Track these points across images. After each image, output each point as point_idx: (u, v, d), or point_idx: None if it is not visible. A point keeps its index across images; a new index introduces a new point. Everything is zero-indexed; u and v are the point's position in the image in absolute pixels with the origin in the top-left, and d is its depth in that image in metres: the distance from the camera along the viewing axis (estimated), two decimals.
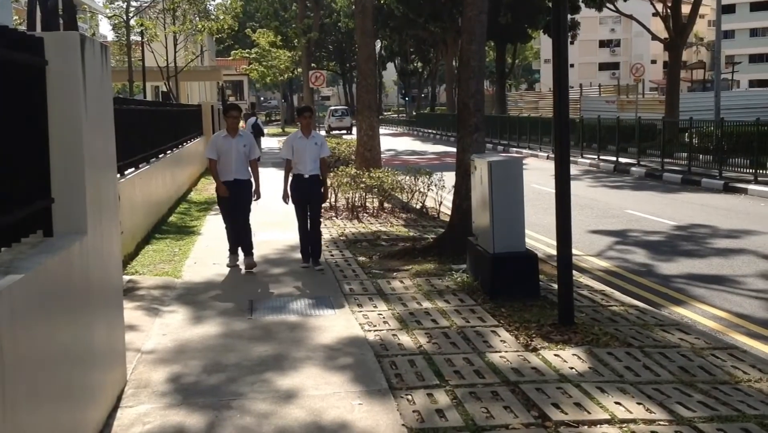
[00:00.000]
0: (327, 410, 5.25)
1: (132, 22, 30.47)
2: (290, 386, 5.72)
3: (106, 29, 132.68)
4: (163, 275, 9.67)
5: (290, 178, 9.90)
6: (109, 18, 33.38)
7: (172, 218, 14.82)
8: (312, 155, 9.74)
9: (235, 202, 9.88)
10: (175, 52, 32.23)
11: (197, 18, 34.37)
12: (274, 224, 13.46)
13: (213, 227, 13.50)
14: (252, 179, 10.02)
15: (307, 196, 9.83)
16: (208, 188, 20.20)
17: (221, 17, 33.82)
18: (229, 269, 10.04)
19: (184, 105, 27.14)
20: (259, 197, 10.08)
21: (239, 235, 10.01)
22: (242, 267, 10.00)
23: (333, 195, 15.04)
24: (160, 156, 15.27)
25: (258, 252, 10.91)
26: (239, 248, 10.11)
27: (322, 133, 25.47)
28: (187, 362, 6.29)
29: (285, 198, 10.00)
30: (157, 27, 31.91)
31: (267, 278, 9.48)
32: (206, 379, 5.89)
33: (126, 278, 9.11)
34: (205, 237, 12.54)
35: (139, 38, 32.50)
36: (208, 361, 6.32)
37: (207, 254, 11.04)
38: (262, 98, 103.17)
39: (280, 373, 5.99)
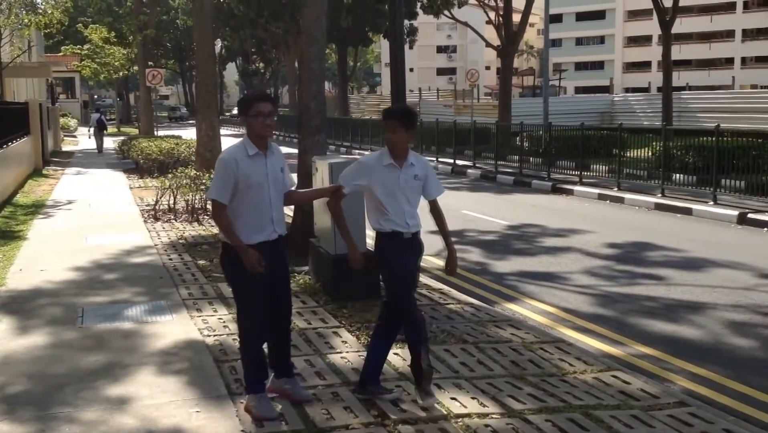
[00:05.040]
0: (162, 418, 5.09)
1: None
2: (123, 394, 5.51)
3: None
4: None
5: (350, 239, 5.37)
6: None
7: None
8: (415, 196, 5.34)
9: (275, 279, 5.17)
10: (0, 47, 30.37)
11: (24, 11, 32.53)
12: (107, 227, 12.96)
13: (41, 231, 12.82)
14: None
15: (416, 268, 5.47)
16: (35, 190, 19.12)
17: (50, 11, 32.14)
18: (53, 274, 9.49)
19: (8, 103, 25.63)
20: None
21: (262, 335, 5.27)
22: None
23: (172, 197, 14.63)
24: None
25: (90, 257, 10.50)
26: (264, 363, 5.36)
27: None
28: (12, 375, 5.92)
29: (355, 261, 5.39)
30: None
31: (100, 284, 9.07)
32: (32, 391, 5.58)
33: None
34: (33, 242, 11.86)
35: None
36: (34, 372, 5.98)
37: (34, 260, 10.45)
38: (96, 96, 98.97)
39: (112, 382, 5.76)
